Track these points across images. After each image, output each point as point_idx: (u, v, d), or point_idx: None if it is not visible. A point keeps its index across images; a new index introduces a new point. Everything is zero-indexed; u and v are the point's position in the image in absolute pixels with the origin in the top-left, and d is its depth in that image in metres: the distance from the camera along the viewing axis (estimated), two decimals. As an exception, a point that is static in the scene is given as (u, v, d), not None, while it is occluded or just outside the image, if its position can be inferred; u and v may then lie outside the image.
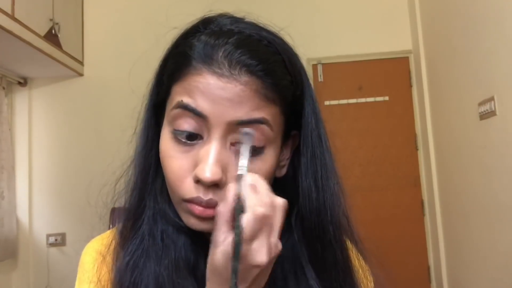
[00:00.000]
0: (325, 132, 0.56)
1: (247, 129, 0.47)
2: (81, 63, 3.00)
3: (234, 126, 0.47)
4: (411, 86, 3.02)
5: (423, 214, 2.94)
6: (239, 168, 0.45)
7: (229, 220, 0.42)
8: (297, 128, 0.55)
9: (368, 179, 2.93)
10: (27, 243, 2.88)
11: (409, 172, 2.96)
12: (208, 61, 0.48)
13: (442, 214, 2.74)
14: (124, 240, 0.55)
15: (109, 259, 0.55)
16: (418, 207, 2.95)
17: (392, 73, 3.03)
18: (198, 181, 0.48)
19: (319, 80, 3.02)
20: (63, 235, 2.88)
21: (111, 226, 0.99)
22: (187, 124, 0.48)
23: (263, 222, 0.42)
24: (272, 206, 0.43)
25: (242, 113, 0.47)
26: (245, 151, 0.46)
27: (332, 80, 3.03)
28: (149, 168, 0.55)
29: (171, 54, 0.54)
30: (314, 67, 3.03)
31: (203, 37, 0.50)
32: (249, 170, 0.45)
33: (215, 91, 0.47)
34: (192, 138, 0.49)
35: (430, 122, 2.82)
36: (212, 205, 0.48)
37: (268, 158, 0.50)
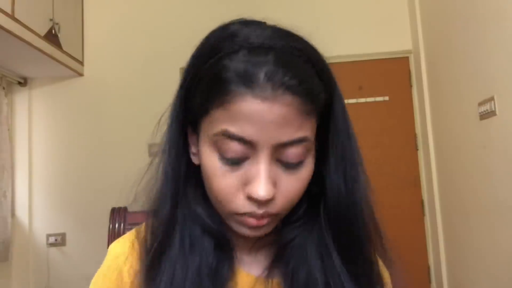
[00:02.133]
0: (353, 132, 0.56)
1: None
2: (81, 63, 3.00)
3: (280, 146, 0.48)
4: (411, 86, 3.02)
5: (423, 214, 2.94)
6: None
7: None
8: (322, 123, 0.54)
9: (368, 179, 2.92)
10: (27, 243, 2.88)
11: (409, 172, 2.96)
12: (250, 84, 0.46)
13: (442, 214, 2.74)
14: (150, 243, 0.55)
15: (132, 260, 0.56)
16: (418, 207, 2.95)
17: (392, 73, 3.03)
18: (251, 197, 0.48)
19: (319, 80, 3.02)
20: (63, 235, 2.88)
21: (111, 227, 0.99)
22: (234, 152, 0.48)
23: None
24: None
25: (287, 136, 0.47)
26: None
27: (332, 80, 3.02)
28: (179, 177, 0.55)
29: (202, 72, 0.50)
30: (314, 67, 3.02)
31: (236, 57, 0.47)
32: (294, 180, 0.49)
33: (260, 114, 0.46)
34: (240, 160, 0.49)
35: (430, 122, 2.82)
36: (266, 215, 0.50)
37: (309, 166, 0.51)
